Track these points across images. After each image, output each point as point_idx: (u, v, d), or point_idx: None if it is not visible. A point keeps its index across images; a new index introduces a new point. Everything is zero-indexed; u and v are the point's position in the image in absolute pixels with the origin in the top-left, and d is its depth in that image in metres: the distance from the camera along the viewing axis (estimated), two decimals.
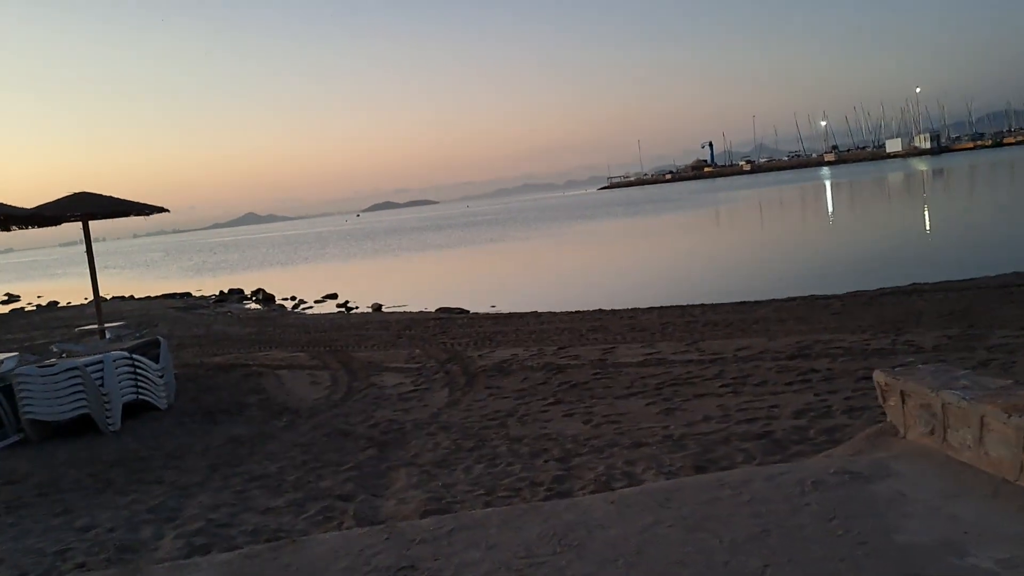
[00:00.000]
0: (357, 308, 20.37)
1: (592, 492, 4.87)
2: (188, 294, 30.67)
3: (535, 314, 14.29)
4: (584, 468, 5.56)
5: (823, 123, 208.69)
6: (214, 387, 10.15)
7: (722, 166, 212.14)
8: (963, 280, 12.67)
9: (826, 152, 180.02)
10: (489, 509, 4.51)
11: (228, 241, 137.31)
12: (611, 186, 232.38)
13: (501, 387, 8.82)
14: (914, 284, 12.92)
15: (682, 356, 9.32)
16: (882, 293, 12.15)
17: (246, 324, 17.99)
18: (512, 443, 6.53)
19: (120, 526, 5.21)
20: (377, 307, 19.69)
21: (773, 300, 12.84)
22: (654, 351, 9.81)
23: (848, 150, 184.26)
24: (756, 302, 12.76)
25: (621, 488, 4.94)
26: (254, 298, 26.46)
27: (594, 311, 14.04)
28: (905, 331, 9.24)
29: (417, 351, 11.61)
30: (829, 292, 13.19)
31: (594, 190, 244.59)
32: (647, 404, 7.40)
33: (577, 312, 13.98)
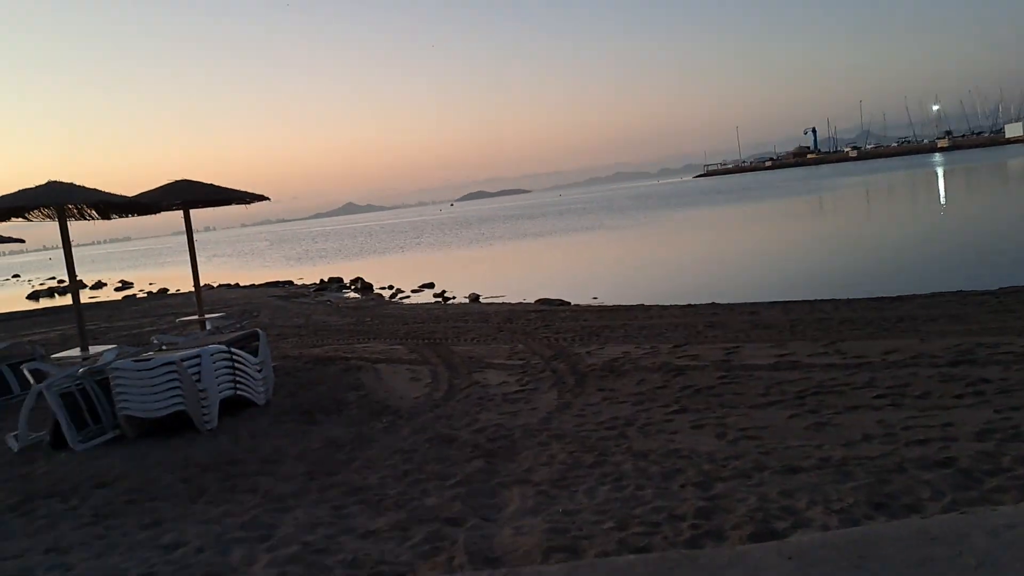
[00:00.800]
0: (454, 298, 19.90)
1: (751, 535, 3.99)
2: (290, 282, 31.09)
3: (643, 307, 13.36)
4: (731, 498, 4.68)
5: (935, 107, 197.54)
6: (313, 382, 9.73)
7: (826, 152, 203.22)
8: None
9: (939, 138, 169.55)
10: (631, 556, 3.72)
11: (329, 230, 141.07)
12: (707, 174, 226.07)
13: (615, 390, 8.00)
14: None
15: (820, 359, 8.25)
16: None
17: (345, 314, 17.76)
18: (638, 459, 5.70)
19: (209, 545, 4.69)
20: (475, 297, 19.17)
21: (915, 296, 11.48)
22: (786, 352, 8.76)
23: (963, 135, 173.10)
24: (896, 298, 11.44)
25: (785, 529, 4.06)
26: (353, 287, 26.50)
27: (707, 304, 13.01)
28: None
29: (520, 346, 10.91)
30: (977, 288, 11.74)
31: (689, 178, 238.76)
32: (791, 417, 6.43)
33: (689, 306, 12.97)
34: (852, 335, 9.28)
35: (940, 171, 69.83)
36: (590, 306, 14.82)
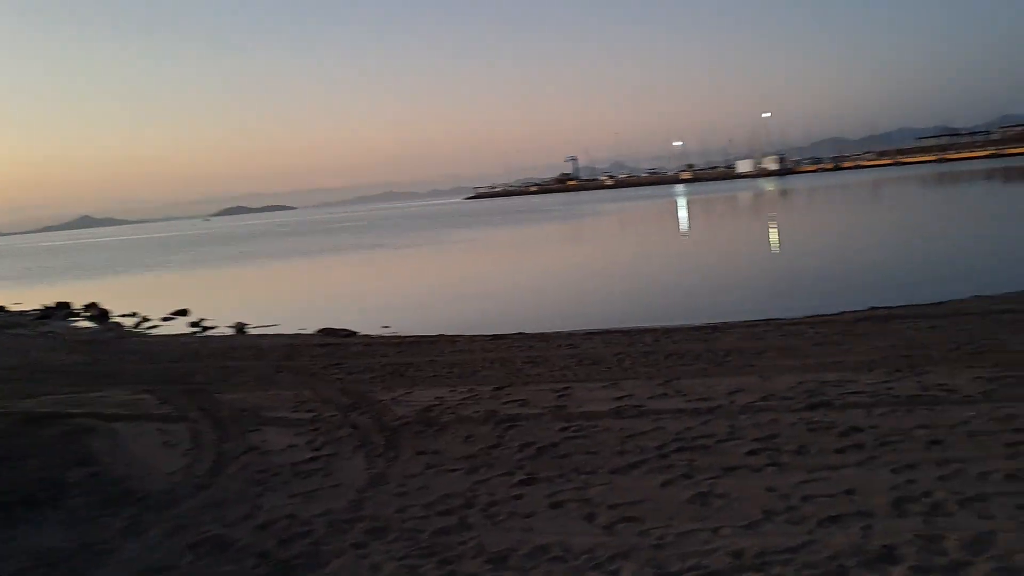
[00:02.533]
0: (215, 328, 17.21)
1: None
2: (1, 308, 25.92)
3: (448, 339, 11.99)
4: None
5: (678, 143, 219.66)
6: (17, 454, 7.18)
7: (585, 180, 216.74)
8: (929, 304, 11.52)
9: (682, 170, 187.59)
10: None
11: (59, 245, 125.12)
12: (478, 196, 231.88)
13: (439, 451, 6.51)
14: (874, 308, 11.65)
15: (665, 403, 7.36)
16: (857, 319, 10.74)
17: (74, 350, 14.54)
18: (497, 569, 4.26)
19: None
20: (241, 327, 16.68)
21: (732, 324, 11.19)
22: (623, 394, 7.80)
23: (703, 169, 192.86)
24: (714, 327, 11.07)
25: None
26: (85, 314, 22.44)
27: (517, 335, 11.92)
28: (922, 369, 7.72)
29: (307, 392, 9.05)
30: (777, 315, 11.75)
31: (460, 200, 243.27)
32: (664, 484, 5.34)
33: (498, 337, 11.80)
34: (686, 371, 8.56)
35: (683, 200, 76.27)
36: (385, 337, 13.18)
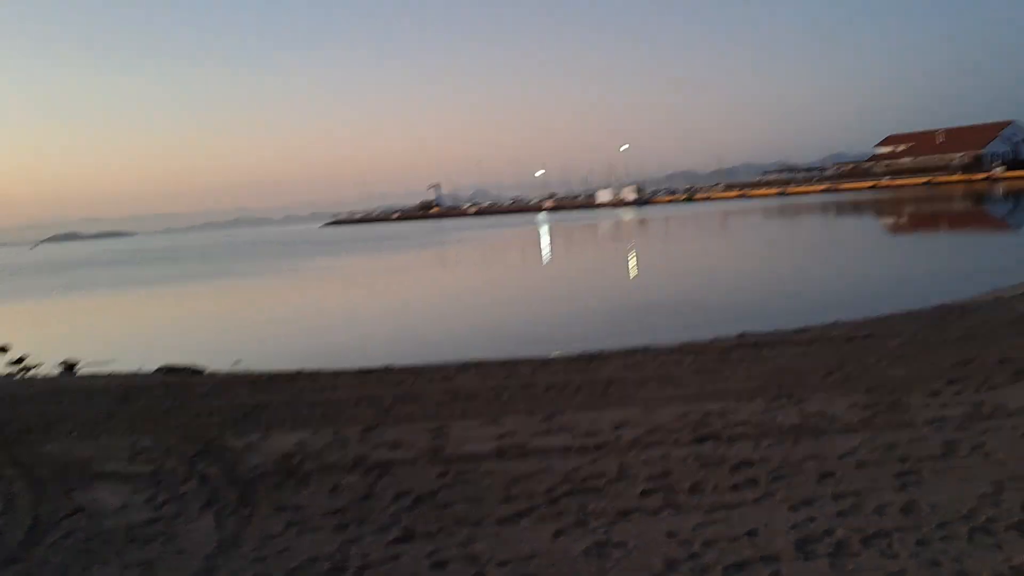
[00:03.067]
0: (39, 368, 15.42)
1: None
2: None
3: (308, 376, 11.16)
4: None
5: (540, 172, 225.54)
6: None
7: (448, 208, 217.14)
8: (795, 331, 11.89)
9: (545, 199, 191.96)
10: None
11: None
12: (336, 223, 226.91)
13: (302, 507, 5.85)
14: (743, 335, 11.89)
15: (549, 440, 7.02)
16: (730, 346, 10.87)
17: None
18: None
19: None
20: (70, 366, 15.03)
21: (609, 353, 11.04)
22: (504, 431, 7.40)
23: (564, 198, 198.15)
24: (593, 356, 10.89)
25: None
26: None
27: (384, 369, 11.29)
28: (800, 396, 7.80)
29: (146, 440, 8.05)
30: (652, 344, 11.78)
31: (317, 226, 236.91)
32: (556, 535, 4.97)
33: (365, 372, 11.11)
34: (568, 404, 8.28)
35: (545, 227, 77.74)
36: (235, 375, 12.15)
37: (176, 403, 9.85)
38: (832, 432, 6.56)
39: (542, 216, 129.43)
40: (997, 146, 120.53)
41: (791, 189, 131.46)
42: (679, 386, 8.70)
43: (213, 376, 12.39)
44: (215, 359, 13.92)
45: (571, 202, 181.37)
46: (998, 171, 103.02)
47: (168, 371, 13.10)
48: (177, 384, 11.48)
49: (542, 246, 48.38)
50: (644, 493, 5.55)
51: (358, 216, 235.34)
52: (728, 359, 9.95)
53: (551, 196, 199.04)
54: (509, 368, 10.51)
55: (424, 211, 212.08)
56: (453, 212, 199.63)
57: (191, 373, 12.94)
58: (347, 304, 25.62)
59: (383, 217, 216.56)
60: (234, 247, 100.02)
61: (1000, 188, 79.25)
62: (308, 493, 6.16)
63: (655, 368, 9.80)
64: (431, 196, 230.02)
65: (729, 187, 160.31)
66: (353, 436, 7.70)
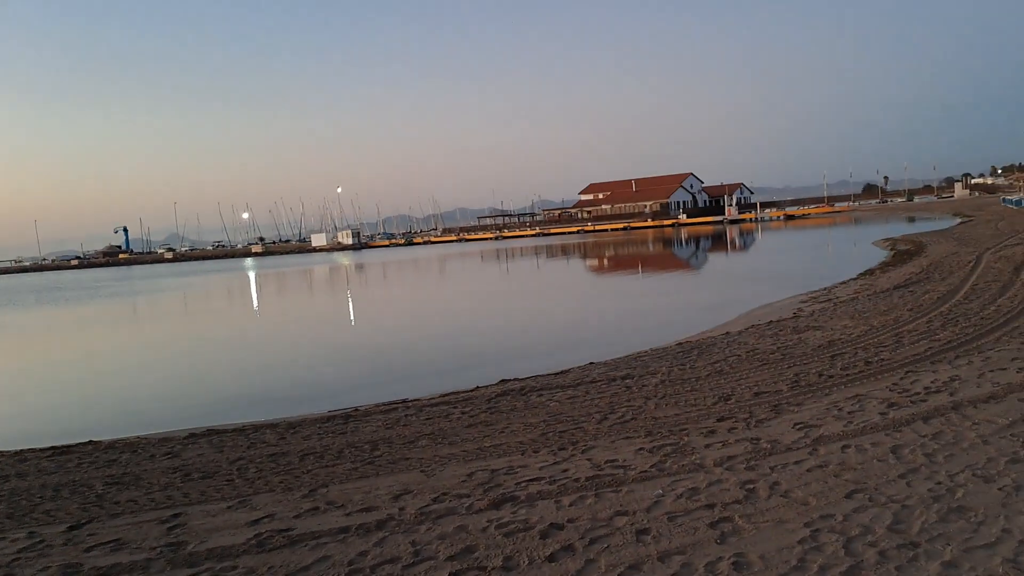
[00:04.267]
0: None
1: None
2: None
3: None
4: None
5: (246, 215, 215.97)
6: None
7: (140, 253, 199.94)
8: (554, 374, 11.90)
9: (253, 243, 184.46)
10: None
11: None
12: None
13: None
14: (504, 381, 11.68)
15: (318, 520, 6.06)
16: (496, 394, 10.51)
17: None
18: None
19: None
20: None
21: (369, 410, 10.15)
22: (260, 515, 6.29)
23: (275, 242, 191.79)
24: (349, 415, 9.94)
25: None
26: None
27: (87, 445, 9.41)
28: (584, 444, 7.60)
29: None
30: (410, 396, 11.16)
31: None
32: None
33: (62, 451, 9.14)
34: (332, 474, 7.33)
35: (254, 274, 74.08)
36: None
37: None
38: (630, 482, 6.36)
39: (250, 262, 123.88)
40: (680, 195, 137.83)
41: (506, 233, 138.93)
42: (455, 443, 8.12)
43: None
44: None
45: (283, 247, 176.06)
46: (682, 217, 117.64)
47: None
48: None
49: (252, 294, 45.64)
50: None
51: (26, 263, 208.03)
52: (498, 408, 9.59)
53: (260, 240, 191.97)
54: (249, 435, 9.23)
55: (110, 257, 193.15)
56: (146, 258, 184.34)
57: None
58: (23, 369, 21.80)
59: (59, 265, 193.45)
60: None
61: (682, 233, 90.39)
62: None
63: (422, 423, 9.14)
64: (119, 240, 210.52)
65: (447, 231, 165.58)
66: (55, 539, 6.11)
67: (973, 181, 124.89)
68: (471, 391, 10.96)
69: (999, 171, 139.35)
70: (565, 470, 6.83)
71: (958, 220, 55.92)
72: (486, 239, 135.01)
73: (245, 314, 33.50)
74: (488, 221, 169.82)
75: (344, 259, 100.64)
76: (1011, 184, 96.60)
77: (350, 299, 36.35)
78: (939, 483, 5.70)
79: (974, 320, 12.54)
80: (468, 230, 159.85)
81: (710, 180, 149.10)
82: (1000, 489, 5.47)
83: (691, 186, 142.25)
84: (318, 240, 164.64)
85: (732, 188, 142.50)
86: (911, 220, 70.16)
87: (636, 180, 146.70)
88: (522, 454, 7.45)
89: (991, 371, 8.96)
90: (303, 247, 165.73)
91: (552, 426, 8.44)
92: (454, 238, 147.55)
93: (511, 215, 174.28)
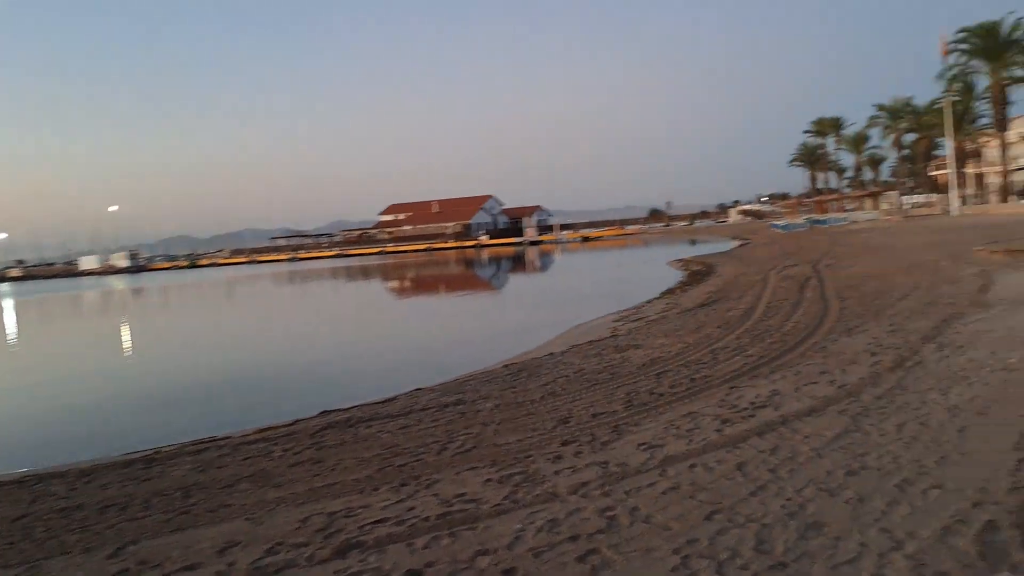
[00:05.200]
0: None
1: None
2: None
3: None
4: None
5: (3, 235, 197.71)
6: None
7: None
8: (379, 402, 11.36)
9: (10, 267, 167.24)
10: None
11: None
12: None
13: None
14: (325, 412, 11.00)
15: None
16: (319, 428, 9.82)
17: None
18: None
19: None
20: None
21: (175, 453, 9.12)
22: None
23: (36, 265, 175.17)
24: (151, 458, 8.87)
25: None
26: None
27: None
28: (428, 479, 7.21)
29: None
30: (212, 433, 10.23)
31: None
32: None
33: None
34: (143, 529, 6.44)
35: (12, 302, 67.02)
36: None
37: None
38: (485, 517, 6.06)
39: (6, 287, 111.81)
40: (481, 217, 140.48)
41: (303, 254, 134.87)
42: (281, 484, 7.44)
43: None
44: None
45: (46, 270, 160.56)
46: (484, 239, 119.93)
47: None
48: None
49: (5, 324, 40.85)
50: None
51: None
52: (324, 443, 8.96)
53: (19, 263, 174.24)
54: (31, 488, 7.99)
55: None
56: None
57: None
58: None
59: None
60: None
61: (484, 254, 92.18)
62: None
63: (240, 464, 8.33)
64: None
65: (236, 252, 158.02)
66: None
67: (741, 207, 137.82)
68: (290, 425, 10.22)
69: (763, 198, 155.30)
70: (411, 508, 6.42)
71: (737, 242, 60.95)
72: (280, 260, 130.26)
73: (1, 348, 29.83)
74: (282, 242, 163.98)
75: (119, 283, 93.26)
76: (773, 211, 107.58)
77: (128, 328, 33.46)
78: (789, 499, 5.88)
79: (776, 336, 13.44)
80: (260, 251, 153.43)
81: (510, 203, 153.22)
82: (846, 502, 5.72)
83: (492, 208, 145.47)
84: (88, 263, 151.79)
85: (531, 210, 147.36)
86: (693, 243, 75.61)
87: (438, 201, 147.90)
88: (360, 493, 6.94)
89: (805, 385, 9.54)
90: (70, 270, 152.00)
91: (388, 460, 7.98)
92: (245, 260, 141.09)
93: (307, 235, 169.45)
